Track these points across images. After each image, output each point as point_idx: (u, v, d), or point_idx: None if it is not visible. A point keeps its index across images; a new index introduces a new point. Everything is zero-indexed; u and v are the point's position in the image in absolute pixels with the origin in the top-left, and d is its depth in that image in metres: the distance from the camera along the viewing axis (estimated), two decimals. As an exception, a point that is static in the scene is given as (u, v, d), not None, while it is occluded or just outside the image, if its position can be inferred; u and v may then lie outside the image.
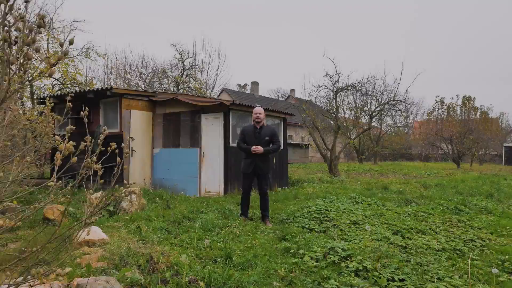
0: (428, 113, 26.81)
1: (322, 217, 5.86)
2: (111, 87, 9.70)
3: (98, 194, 6.89)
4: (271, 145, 6.00)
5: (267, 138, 5.93)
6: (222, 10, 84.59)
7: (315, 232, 5.23)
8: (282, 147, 6.40)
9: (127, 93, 10.14)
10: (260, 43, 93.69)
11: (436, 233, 5.57)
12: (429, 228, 5.59)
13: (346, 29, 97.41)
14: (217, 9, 79.58)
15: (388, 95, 27.29)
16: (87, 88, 12.80)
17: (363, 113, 24.89)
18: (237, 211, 6.84)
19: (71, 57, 15.58)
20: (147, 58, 41.64)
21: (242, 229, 5.43)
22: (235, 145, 9.42)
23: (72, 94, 10.89)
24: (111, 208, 6.39)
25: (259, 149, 5.80)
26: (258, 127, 5.98)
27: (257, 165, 5.91)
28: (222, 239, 4.93)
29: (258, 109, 6.05)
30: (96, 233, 4.50)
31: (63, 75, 14.98)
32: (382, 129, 31.24)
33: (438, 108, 26.83)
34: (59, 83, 15.45)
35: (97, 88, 10.11)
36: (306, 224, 5.59)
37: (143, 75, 25.83)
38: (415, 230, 5.41)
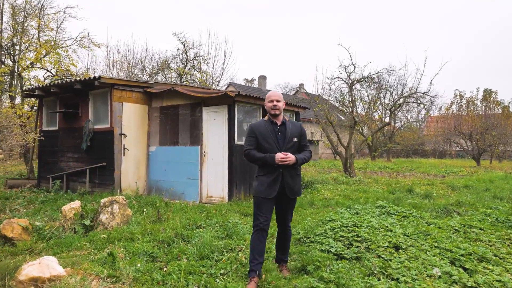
0: (446, 107, 25.26)
1: (351, 237, 4.58)
2: (99, 76, 8.48)
3: (74, 204, 5.70)
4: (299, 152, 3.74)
5: (295, 139, 3.66)
6: (228, 1, 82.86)
7: (346, 261, 3.96)
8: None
9: (118, 83, 8.91)
10: (267, 36, 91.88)
11: (501, 258, 4.28)
12: (492, 254, 4.30)
13: (361, 19, 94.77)
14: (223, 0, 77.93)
15: (403, 88, 25.83)
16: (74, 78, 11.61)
17: (379, 107, 23.49)
18: (242, 224, 5.60)
19: (64, 47, 14.40)
20: (152, 51, 40.52)
21: (249, 255, 4.19)
22: (241, 142, 8.16)
23: (57, 84, 9.75)
24: (87, 222, 5.18)
25: (291, 158, 3.49)
26: (279, 124, 3.69)
27: (287, 184, 3.57)
28: (222, 271, 3.69)
29: (274, 94, 3.73)
30: (48, 267, 3.28)
31: (55, 66, 13.81)
32: (396, 124, 29.75)
33: (457, 102, 25.29)
34: (51, 75, 14.29)
35: (84, 78, 8.90)
36: (332, 246, 4.33)
37: (147, 68, 24.67)
38: (475, 257, 4.12)
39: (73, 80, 9.16)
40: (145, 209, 6.34)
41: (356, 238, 4.55)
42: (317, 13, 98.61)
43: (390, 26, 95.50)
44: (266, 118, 3.77)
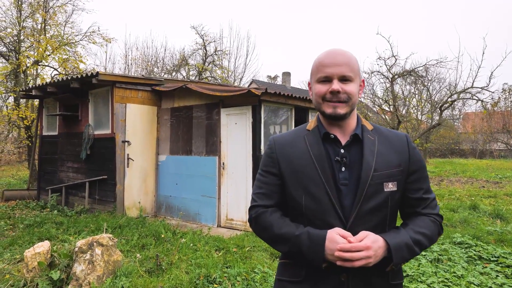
0: (493, 103, 22.69)
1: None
2: (97, 72, 7.03)
3: (40, 247, 4.20)
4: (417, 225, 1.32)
5: (390, 185, 1.27)
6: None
7: None
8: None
9: (121, 81, 7.44)
10: (292, 30, 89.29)
11: None
12: None
13: (400, 6, 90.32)
14: (245, -2, 76.04)
15: (439, 84, 23.42)
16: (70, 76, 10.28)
17: (415, 105, 21.38)
18: (274, 276, 3.95)
19: (72, 42, 13.17)
20: (173, 49, 39.46)
21: None
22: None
23: (53, 83, 8.40)
24: (56, 275, 3.66)
25: (371, 248, 1.16)
26: (344, 141, 1.34)
27: None
28: None
29: (334, 57, 1.30)
30: None
31: (61, 64, 12.57)
32: (432, 122, 27.23)
33: (505, 98, 22.71)
34: (58, 73, 13.08)
35: (81, 75, 7.48)
36: None
37: (167, 66, 23.43)
38: None
39: (69, 78, 7.77)
40: (144, 242, 4.77)
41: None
42: (349, 3, 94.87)
43: (435, 13, 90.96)
44: (311, 123, 1.43)
